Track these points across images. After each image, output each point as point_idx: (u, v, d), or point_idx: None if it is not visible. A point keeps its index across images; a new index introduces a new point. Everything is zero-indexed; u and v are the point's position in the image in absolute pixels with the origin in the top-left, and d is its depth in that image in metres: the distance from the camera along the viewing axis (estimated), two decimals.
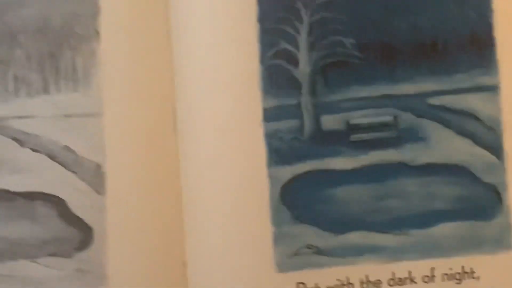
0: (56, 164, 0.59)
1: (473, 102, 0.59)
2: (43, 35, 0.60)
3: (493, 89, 0.59)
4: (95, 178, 0.59)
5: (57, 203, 0.59)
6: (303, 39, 0.60)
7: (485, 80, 0.59)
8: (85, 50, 0.60)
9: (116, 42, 0.60)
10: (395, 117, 0.60)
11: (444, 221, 0.58)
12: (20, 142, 0.60)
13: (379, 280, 0.58)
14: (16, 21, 0.60)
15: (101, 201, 0.59)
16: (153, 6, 0.60)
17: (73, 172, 0.59)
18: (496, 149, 0.58)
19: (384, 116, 0.60)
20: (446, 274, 0.58)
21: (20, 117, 0.60)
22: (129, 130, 0.59)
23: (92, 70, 0.59)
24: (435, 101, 0.59)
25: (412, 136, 0.59)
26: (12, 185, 0.59)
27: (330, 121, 0.60)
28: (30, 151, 0.59)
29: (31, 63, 0.60)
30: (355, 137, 0.60)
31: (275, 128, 0.60)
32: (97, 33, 0.60)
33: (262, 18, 0.60)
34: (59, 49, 0.60)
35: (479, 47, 0.59)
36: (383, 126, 0.60)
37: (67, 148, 0.59)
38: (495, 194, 0.58)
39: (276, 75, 0.60)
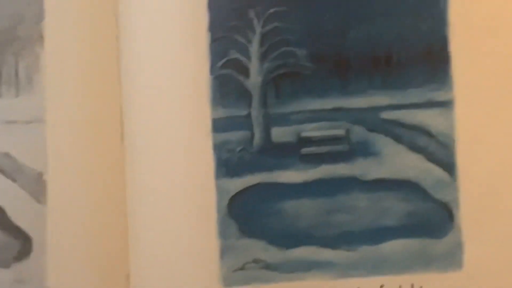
0: None
1: (427, 117, 0.58)
2: None
3: (447, 104, 0.58)
4: (36, 186, 0.58)
5: None
6: (254, 49, 0.59)
7: (439, 95, 0.58)
8: (29, 54, 0.58)
9: (60, 47, 0.58)
10: (347, 131, 0.59)
11: (394, 238, 0.57)
12: None
13: None
14: None
15: (41, 211, 0.57)
16: (101, 11, 0.59)
17: (13, 180, 0.57)
18: (449, 166, 0.58)
19: (336, 129, 0.59)
20: None
21: None
22: (73, 138, 0.58)
23: (35, 75, 0.58)
24: (388, 115, 0.59)
25: (364, 150, 0.58)
26: None
27: (280, 133, 0.59)
28: None
29: None
30: (306, 150, 0.59)
31: (224, 139, 0.59)
32: (41, 37, 0.58)
33: (213, 27, 0.59)
34: (1, 53, 0.58)
35: (434, 62, 0.58)
36: (334, 139, 0.59)
37: (7, 155, 0.58)
38: (447, 212, 0.57)
39: (226, 85, 0.59)
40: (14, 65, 0.58)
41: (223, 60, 0.59)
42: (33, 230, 0.57)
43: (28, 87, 0.58)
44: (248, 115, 0.59)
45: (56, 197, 0.57)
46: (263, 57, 0.59)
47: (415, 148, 0.59)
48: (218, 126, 0.59)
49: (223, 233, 0.58)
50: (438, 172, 0.58)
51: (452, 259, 0.57)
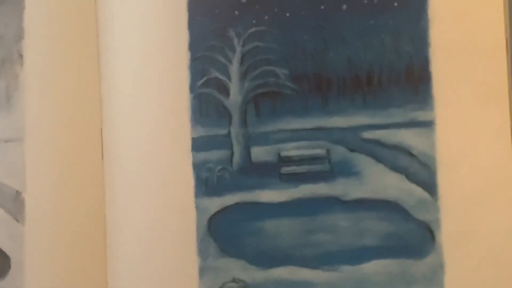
0: None
1: (407, 137, 0.58)
2: None
3: (428, 124, 0.58)
4: (14, 205, 0.57)
5: None
6: (234, 68, 0.59)
7: (420, 115, 0.58)
8: (8, 73, 0.58)
9: (40, 66, 0.58)
10: (328, 151, 0.58)
11: (375, 258, 0.57)
12: None
13: None
14: None
15: (19, 229, 0.57)
16: (81, 30, 0.59)
17: None
18: (430, 186, 0.57)
19: (316, 149, 0.58)
20: None
21: None
22: (52, 157, 0.58)
23: (14, 94, 0.58)
24: (368, 135, 0.58)
25: (344, 170, 0.58)
26: None
27: (260, 153, 0.58)
28: None
29: None
30: (285, 169, 0.58)
31: (203, 158, 0.58)
32: (20, 56, 0.59)
33: (193, 46, 0.59)
34: None
35: (415, 82, 0.58)
36: (315, 159, 0.58)
37: None
38: (428, 232, 0.57)
39: (206, 104, 0.59)
40: None
41: (203, 79, 0.59)
42: (11, 248, 0.57)
43: (7, 105, 0.58)
44: (228, 134, 0.59)
45: (34, 216, 0.57)
46: (243, 76, 0.59)
47: (396, 168, 0.58)
48: (198, 145, 0.58)
49: (202, 252, 0.58)
50: (419, 192, 0.58)
51: (433, 280, 0.56)
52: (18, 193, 0.57)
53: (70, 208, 0.57)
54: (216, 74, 0.59)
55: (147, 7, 0.59)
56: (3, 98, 0.58)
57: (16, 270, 0.56)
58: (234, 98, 0.59)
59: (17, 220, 0.57)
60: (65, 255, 0.57)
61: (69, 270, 0.57)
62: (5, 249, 0.57)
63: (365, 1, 0.58)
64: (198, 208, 0.58)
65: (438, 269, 0.57)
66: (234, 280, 0.58)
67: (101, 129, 0.59)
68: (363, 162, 0.58)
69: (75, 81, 0.58)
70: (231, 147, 0.59)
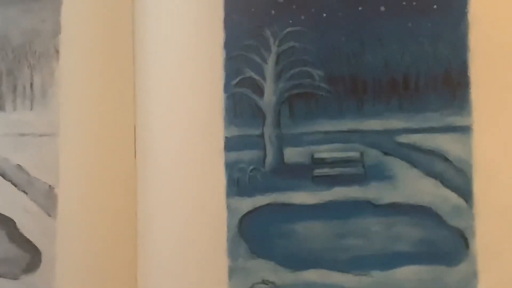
0: (8, 183, 0.58)
1: (443, 142, 0.57)
2: (2, 51, 0.59)
3: (465, 130, 0.57)
4: (46, 199, 0.58)
5: (6, 223, 0.57)
6: (269, 68, 0.59)
7: (457, 120, 0.57)
8: (44, 68, 0.59)
9: (75, 62, 0.59)
10: (362, 153, 0.58)
11: (407, 264, 0.56)
12: None
13: None
14: None
15: (51, 224, 0.57)
16: (117, 28, 0.59)
17: (24, 192, 0.58)
18: (465, 192, 0.56)
19: (350, 151, 0.58)
20: None
21: None
22: (85, 153, 0.58)
23: (50, 89, 0.58)
24: (403, 139, 0.58)
25: (378, 173, 0.57)
26: None
27: (293, 154, 0.58)
28: None
29: None
30: (318, 171, 0.58)
31: (236, 158, 0.58)
32: (56, 52, 0.59)
33: (228, 45, 0.59)
34: (17, 67, 0.59)
35: (453, 86, 0.57)
36: (348, 162, 0.58)
37: (19, 167, 0.58)
38: (462, 239, 0.56)
39: (240, 104, 0.59)
40: (29, 79, 0.59)
41: (238, 79, 0.59)
42: (42, 243, 0.57)
43: (42, 100, 0.59)
44: (261, 135, 0.59)
45: (67, 211, 0.57)
46: (278, 76, 0.59)
47: (431, 173, 0.57)
48: (231, 144, 0.58)
49: (232, 253, 0.57)
50: (454, 198, 0.57)
51: None
52: (51, 188, 0.58)
53: (102, 205, 0.57)
54: (250, 73, 0.59)
55: (184, 5, 0.59)
56: (38, 93, 0.58)
57: (47, 265, 0.57)
58: (268, 98, 0.59)
59: (49, 215, 0.57)
60: (96, 251, 0.57)
61: (99, 266, 0.57)
62: (36, 244, 0.57)
63: (404, 3, 0.58)
64: (229, 208, 0.58)
65: (472, 278, 0.56)
66: (263, 282, 0.57)
67: (135, 126, 0.59)
68: (398, 166, 0.58)
69: (110, 78, 0.58)
70: (264, 148, 0.58)
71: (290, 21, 0.59)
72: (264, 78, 0.59)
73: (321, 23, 0.58)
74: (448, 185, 0.57)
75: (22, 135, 0.58)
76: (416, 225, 0.57)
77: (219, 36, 0.59)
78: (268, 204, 0.58)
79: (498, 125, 0.56)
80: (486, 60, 0.57)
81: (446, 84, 0.58)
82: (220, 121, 0.58)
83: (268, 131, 0.59)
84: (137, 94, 0.59)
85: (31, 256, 0.57)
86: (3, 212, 0.58)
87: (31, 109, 0.58)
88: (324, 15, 0.58)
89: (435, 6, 0.58)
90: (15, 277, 0.57)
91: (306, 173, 0.58)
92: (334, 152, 0.58)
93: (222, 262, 0.57)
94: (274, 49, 0.59)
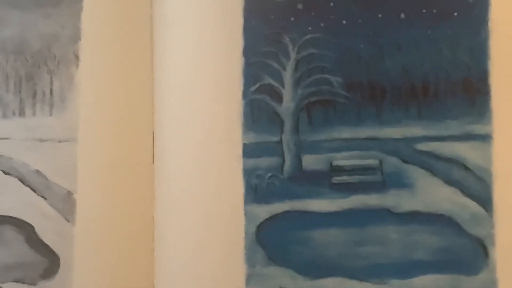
0: (27, 188, 0.58)
1: (463, 150, 0.57)
2: (22, 56, 0.59)
3: (485, 138, 0.57)
4: (65, 205, 0.58)
5: (25, 228, 0.57)
6: (288, 75, 0.59)
7: (477, 128, 0.57)
8: (63, 74, 0.59)
9: (95, 68, 0.59)
10: (380, 161, 0.57)
11: (425, 273, 0.56)
12: None
13: None
14: None
15: (70, 230, 0.57)
16: (136, 34, 0.59)
17: (43, 197, 0.58)
18: (485, 201, 0.56)
19: (369, 159, 0.58)
20: None
21: None
22: (104, 158, 0.58)
23: (69, 95, 0.59)
24: (422, 146, 0.57)
25: (397, 181, 0.57)
26: None
27: (311, 161, 0.58)
28: (2, 173, 0.58)
29: (9, 84, 0.59)
30: (337, 179, 0.58)
31: (254, 164, 0.58)
32: (76, 57, 0.59)
33: (247, 52, 0.59)
34: (37, 72, 0.59)
35: (473, 94, 0.57)
36: (367, 169, 0.58)
37: (38, 172, 0.58)
38: (481, 248, 0.56)
39: (259, 110, 0.58)
40: (48, 84, 0.59)
41: (256, 85, 0.59)
42: (60, 248, 0.57)
43: (61, 106, 0.59)
44: (280, 141, 0.58)
45: (85, 216, 0.57)
46: (296, 83, 0.59)
47: (450, 181, 0.57)
48: (249, 151, 0.58)
49: (250, 260, 0.57)
50: (473, 206, 0.57)
51: None
52: (69, 193, 0.58)
53: (120, 210, 0.57)
54: (269, 80, 0.59)
55: (203, 11, 0.59)
56: (57, 98, 0.58)
57: (65, 270, 0.57)
58: (287, 105, 0.59)
59: (68, 220, 0.57)
60: (114, 257, 0.57)
61: (117, 272, 0.57)
62: (55, 249, 0.57)
63: (424, 10, 0.58)
64: (247, 214, 0.58)
65: (491, 287, 0.55)
66: None
67: (153, 132, 0.59)
68: (417, 174, 0.57)
69: (129, 84, 0.59)
70: (282, 155, 0.58)
71: (309, 28, 0.59)
72: (282, 85, 0.59)
73: (340, 30, 0.58)
74: (468, 193, 0.57)
75: (41, 140, 0.58)
76: (435, 233, 0.57)
77: (238, 42, 0.59)
78: (286, 211, 0.58)
79: None
80: (507, 67, 0.57)
81: (466, 92, 0.57)
82: (239, 127, 0.58)
83: (287, 138, 0.58)
84: (156, 100, 0.59)
85: (50, 262, 0.57)
86: (21, 217, 0.58)
87: (50, 115, 0.58)
88: (344, 22, 0.58)
89: (455, 14, 0.57)
90: (33, 283, 0.57)
91: (325, 181, 0.58)
92: (353, 159, 0.58)
93: (239, 269, 0.57)
94: (293, 56, 0.59)
